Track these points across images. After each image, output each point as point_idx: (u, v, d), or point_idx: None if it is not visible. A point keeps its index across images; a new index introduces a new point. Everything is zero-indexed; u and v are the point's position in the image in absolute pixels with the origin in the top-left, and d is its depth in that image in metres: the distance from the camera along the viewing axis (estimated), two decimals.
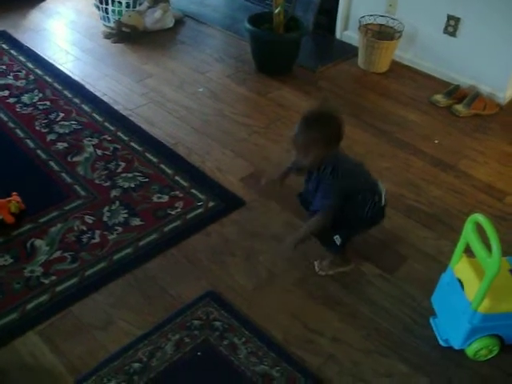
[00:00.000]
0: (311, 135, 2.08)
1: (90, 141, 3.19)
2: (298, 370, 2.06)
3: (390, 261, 2.55)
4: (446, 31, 3.90)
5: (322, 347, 2.16)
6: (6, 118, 3.37)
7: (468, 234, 2.02)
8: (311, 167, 2.21)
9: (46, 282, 2.35)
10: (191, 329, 2.19)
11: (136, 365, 2.06)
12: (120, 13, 4.41)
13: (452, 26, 3.84)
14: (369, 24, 4.13)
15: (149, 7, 4.44)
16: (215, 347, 2.14)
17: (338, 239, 2.32)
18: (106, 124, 3.34)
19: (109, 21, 4.48)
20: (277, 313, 2.28)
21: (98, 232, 2.59)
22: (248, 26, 3.84)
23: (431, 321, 2.25)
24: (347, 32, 4.47)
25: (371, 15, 4.14)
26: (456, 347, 2.13)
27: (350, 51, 4.30)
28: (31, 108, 3.47)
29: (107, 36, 4.36)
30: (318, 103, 2.27)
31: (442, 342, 2.18)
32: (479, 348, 2.09)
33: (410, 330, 2.24)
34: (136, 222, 2.65)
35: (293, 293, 2.38)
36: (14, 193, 2.69)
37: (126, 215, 2.69)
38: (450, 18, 3.83)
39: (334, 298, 2.36)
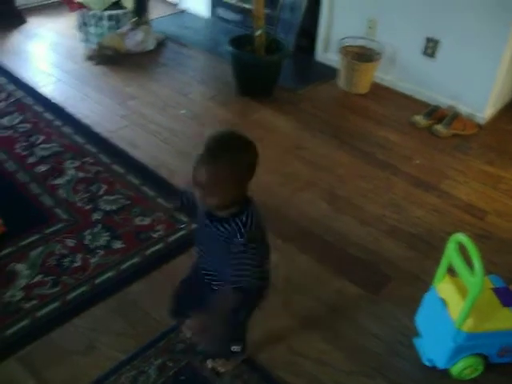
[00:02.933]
0: (219, 168, 1.56)
1: (71, 163, 3.17)
2: None
3: (374, 281, 2.56)
4: (425, 53, 3.95)
5: (306, 369, 2.15)
6: None
7: (450, 254, 2.03)
8: (216, 210, 1.68)
9: (27, 306, 2.32)
10: (174, 352, 2.17)
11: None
12: (102, 35, 4.42)
13: (431, 47, 3.90)
14: (349, 46, 4.18)
15: (130, 29, 4.45)
16: (198, 371, 2.12)
17: (237, 348, 2.07)
18: (88, 146, 3.33)
19: (90, 42, 4.48)
20: (261, 335, 2.25)
21: (79, 255, 2.56)
22: (229, 48, 3.86)
23: (415, 341, 2.25)
24: (327, 54, 4.51)
25: (351, 37, 4.19)
26: (440, 367, 2.13)
27: (330, 73, 4.34)
28: (11, 131, 3.45)
29: (89, 58, 4.36)
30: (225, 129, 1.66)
31: (426, 362, 2.17)
32: (464, 367, 2.09)
33: (394, 351, 2.24)
34: (118, 244, 2.63)
35: (277, 315, 2.36)
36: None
37: (107, 238, 2.66)
38: (428, 40, 3.89)
39: (318, 320, 2.36)
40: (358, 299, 2.46)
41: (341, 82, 4.20)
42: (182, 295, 2.04)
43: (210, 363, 2.13)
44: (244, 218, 1.64)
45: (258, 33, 3.83)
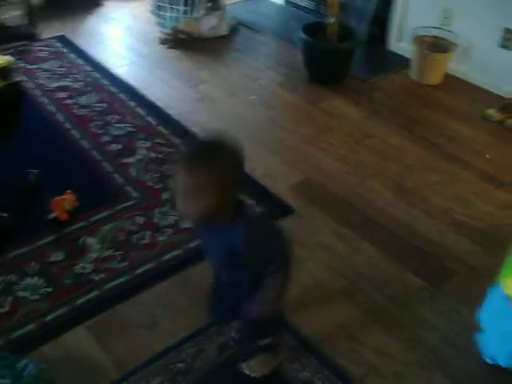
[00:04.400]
0: (193, 177, 1.44)
1: (143, 143, 3.26)
2: (340, 379, 2.06)
3: (437, 274, 2.53)
4: (502, 45, 3.85)
5: (365, 358, 2.16)
6: (63, 119, 3.48)
7: None
8: (200, 220, 1.60)
9: (96, 278, 2.42)
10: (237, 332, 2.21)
11: (180, 365, 2.10)
12: (177, 19, 4.50)
13: (508, 39, 3.79)
14: (423, 36, 4.10)
15: (205, 14, 4.51)
16: None
17: (265, 341, 1.98)
18: (160, 128, 3.42)
19: (165, 27, 4.57)
20: (321, 321, 2.28)
21: (148, 233, 2.65)
22: (302, 35, 3.86)
23: (476, 336, 2.22)
24: (400, 43, 4.45)
25: (426, 27, 4.11)
26: (502, 365, 2.09)
27: (402, 62, 4.28)
28: (87, 110, 3.58)
29: (163, 42, 4.45)
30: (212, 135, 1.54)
31: (487, 359, 2.14)
32: None
33: (454, 345, 2.22)
34: (187, 224, 2.69)
35: (338, 302, 2.38)
36: (69, 191, 2.77)
37: (176, 218, 2.74)
38: (506, 31, 3.78)
39: (379, 309, 2.36)
40: (420, 291, 2.44)
41: (413, 72, 4.14)
42: (216, 296, 1.97)
43: (245, 368, 2.06)
44: (241, 227, 1.55)
45: (331, 20, 3.82)
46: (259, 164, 3.12)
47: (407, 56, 4.25)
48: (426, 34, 4.12)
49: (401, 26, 4.39)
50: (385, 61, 4.48)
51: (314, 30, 3.93)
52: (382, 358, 2.16)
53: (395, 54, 4.47)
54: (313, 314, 2.31)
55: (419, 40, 4.07)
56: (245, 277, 1.70)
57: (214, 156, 1.47)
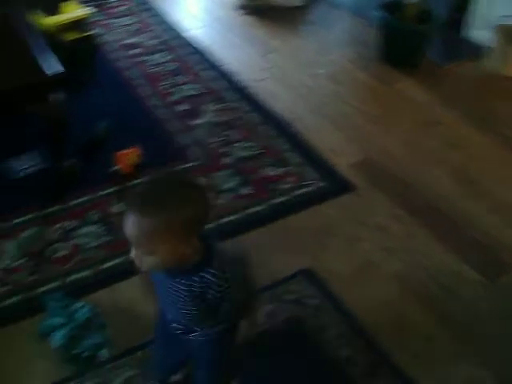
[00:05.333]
0: (143, 222, 1.22)
1: (209, 107, 3.28)
2: (384, 361, 2.06)
3: (493, 268, 2.48)
4: None
5: (413, 344, 2.14)
6: (133, 75, 3.53)
7: None
8: (158, 268, 1.36)
9: None
10: (284, 302, 2.23)
11: None
12: None
13: None
14: (506, 25, 3.96)
15: None
16: (304, 323, 2.17)
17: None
18: (228, 92, 3.42)
19: None
20: (371, 301, 2.27)
21: (210, 194, 2.67)
22: (379, 12, 3.79)
23: None
24: (479, 31, 4.30)
25: (509, 16, 3.96)
26: None
27: (479, 51, 4.15)
28: (158, 68, 3.62)
29: (240, 7, 4.43)
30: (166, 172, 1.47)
31: None
32: None
33: (508, 341, 2.18)
34: (246, 190, 2.71)
35: (390, 285, 2.36)
36: (134, 146, 2.82)
37: (236, 182, 2.76)
38: None
39: (431, 297, 2.33)
40: (475, 283, 2.39)
41: (492, 61, 4.00)
42: (164, 354, 1.78)
43: None
44: (212, 270, 1.34)
45: (413, 1, 3.72)
46: (322, 138, 3.11)
47: (485, 45, 4.11)
48: (509, 22, 3.97)
49: (482, 12, 4.24)
50: (461, 48, 4.34)
51: (392, 8, 3.83)
52: (430, 346, 2.13)
53: (472, 42, 4.33)
54: (363, 293, 2.30)
55: (502, 29, 3.93)
56: (207, 322, 1.51)
57: (166, 202, 1.23)
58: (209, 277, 1.33)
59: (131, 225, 1.22)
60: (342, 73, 3.81)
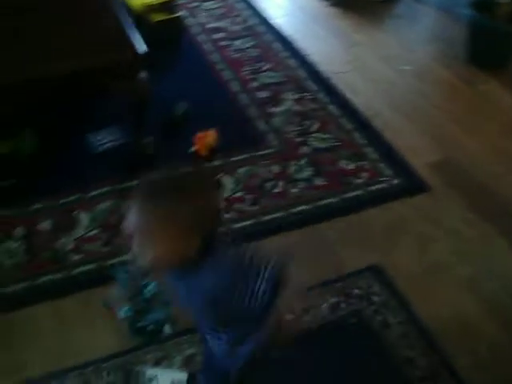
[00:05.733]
0: (142, 218, 1.20)
1: (290, 95, 3.28)
2: (445, 366, 2.01)
3: None
4: None
5: (476, 351, 2.08)
6: (216, 59, 3.57)
7: None
8: (155, 269, 1.38)
9: (225, 217, 2.48)
10: (349, 296, 2.22)
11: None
12: None
13: None
14: None
15: None
16: (368, 320, 2.15)
17: None
18: (309, 82, 3.41)
19: None
20: (437, 303, 2.23)
21: (281, 183, 2.69)
22: (469, 11, 3.68)
23: None
24: None
25: None
26: None
27: None
28: (241, 53, 3.64)
29: None
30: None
31: None
32: None
33: None
34: (320, 181, 2.71)
35: (459, 289, 2.30)
36: (212, 129, 2.85)
37: (311, 173, 2.75)
38: None
39: (501, 306, 2.26)
40: None
41: None
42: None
43: None
44: (204, 278, 1.26)
45: (506, 0, 3.60)
46: (401, 135, 3.06)
47: None
48: None
49: None
50: None
51: (482, 7, 3.71)
52: (494, 355, 2.07)
53: None
54: (430, 294, 2.25)
55: None
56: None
57: (183, 191, 1.20)
58: (206, 277, 1.25)
59: (133, 214, 1.19)
60: (426, 70, 3.73)
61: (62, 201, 2.57)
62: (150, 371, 1.96)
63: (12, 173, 2.66)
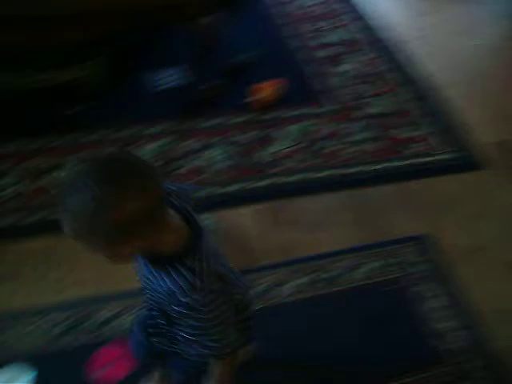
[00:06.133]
0: (73, 207, 0.99)
1: (351, 57, 3.22)
2: (479, 345, 1.99)
3: None
4: None
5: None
6: (283, 13, 3.52)
7: None
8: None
9: (272, 170, 2.50)
10: (388, 264, 2.20)
11: (324, 275, 2.14)
12: None
13: None
14: None
15: None
16: (403, 290, 2.13)
17: None
18: (373, 47, 3.34)
19: None
20: (480, 284, 2.17)
21: (333, 142, 2.66)
22: None
23: None
24: None
25: None
26: None
27: None
28: (309, 10, 3.58)
29: None
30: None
31: None
32: None
33: None
34: (372, 146, 2.66)
35: (502, 272, 2.24)
36: (271, 81, 2.82)
37: (364, 137, 2.71)
38: None
39: None
40: None
41: None
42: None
43: None
44: (184, 271, 1.11)
45: None
46: (464, 110, 2.96)
47: None
48: None
49: None
50: None
51: None
52: None
53: None
54: (472, 272, 2.19)
55: None
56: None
57: (102, 184, 0.97)
58: (183, 271, 1.11)
59: (62, 212, 1.00)
60: (496, 47, 3.60)
61: (121, 133, 2.60)
62: None
63: (78, 100, 2.70)
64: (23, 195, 2.32)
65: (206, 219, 2.12)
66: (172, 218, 1.11)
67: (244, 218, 2.31)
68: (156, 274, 1.14)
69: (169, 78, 2.87)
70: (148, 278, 1.19)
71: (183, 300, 1.11)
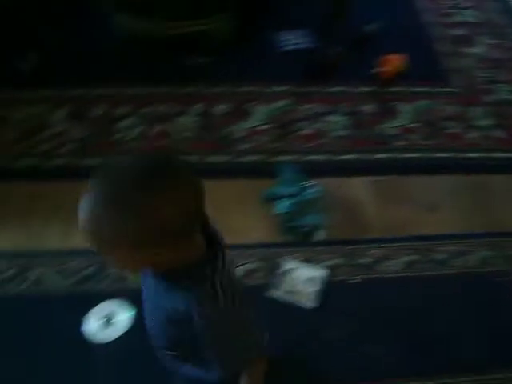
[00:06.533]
0: (99, 217, 0.89)
1: (486, 39, 3.11)
2: None
3: None
4: None
5: None
6: None
7: None
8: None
9: (395, 143, 2.49)
10: (502, 256, 2.15)
11: (436, 255, 2.13)
12: None
13: None
14: None
15: None
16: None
17: None
18: (509, 30, 3.20)
19: None
20: None
21: (456, 124, 2.61)
22: None
23: None
24: None
25: None
26: None
27: None
28: None
29: None
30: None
31: None
32: None
33: None
34: (498, 133, 2.60)
35: None
36: (400, 54, 2.77)
37: (491, 123, 2.64)
38: None
39: None
40: None
41: None
42: None
43: None
44: (198, 290, 1.02)
45: None
46: None
47: None
48: None
49: None
50: None
51: None
52: None
53: None
54: None
55: None
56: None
57: (150, 195, 0.88)
58: (197, 291, 1.02)
59: (84, 213, 0.90)
60: None
61: (242, 89, 2.66)
62: (289, 264, 2.03)
63: (201, 53, 2.76)
64: (145, 137, 2.44)
65: (314, 186, 2.19)
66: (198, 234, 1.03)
67: (358, 189, 2.32)
68: (164, 289, 1.07)
69: (295, 39, 2.89)
70: (154, 295, 1.12)
71: (201, 311, 1.02)
